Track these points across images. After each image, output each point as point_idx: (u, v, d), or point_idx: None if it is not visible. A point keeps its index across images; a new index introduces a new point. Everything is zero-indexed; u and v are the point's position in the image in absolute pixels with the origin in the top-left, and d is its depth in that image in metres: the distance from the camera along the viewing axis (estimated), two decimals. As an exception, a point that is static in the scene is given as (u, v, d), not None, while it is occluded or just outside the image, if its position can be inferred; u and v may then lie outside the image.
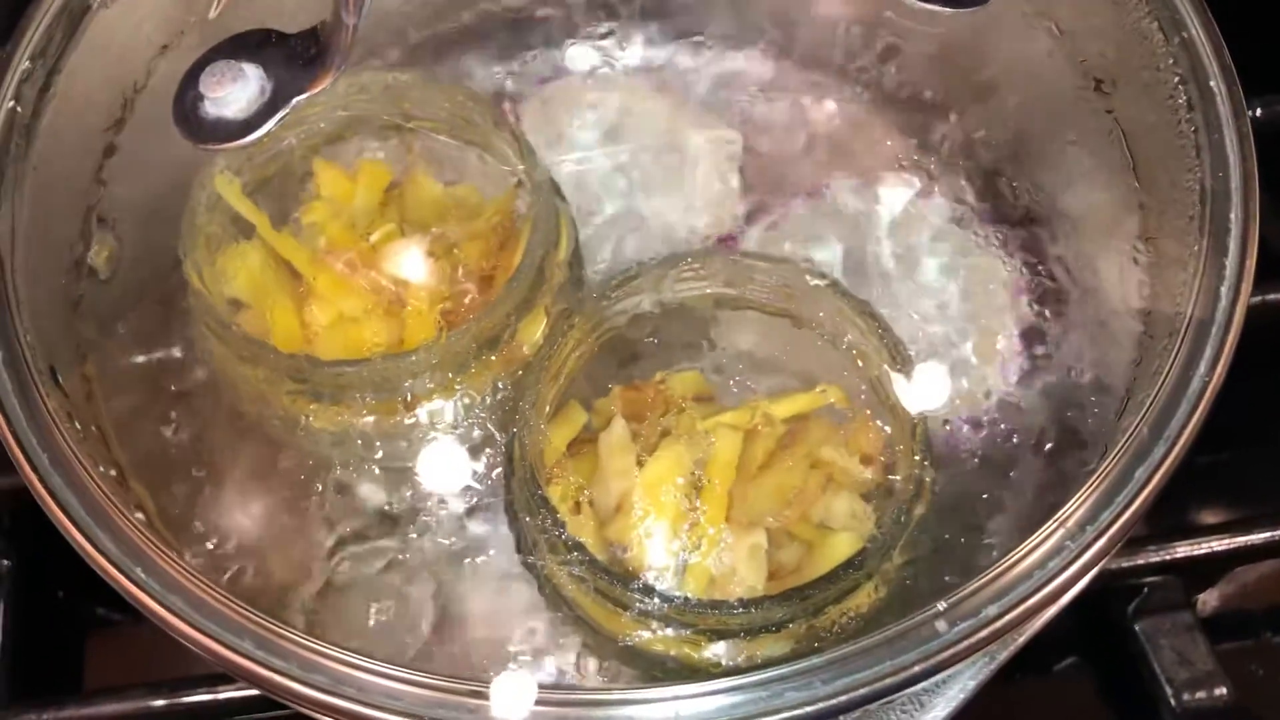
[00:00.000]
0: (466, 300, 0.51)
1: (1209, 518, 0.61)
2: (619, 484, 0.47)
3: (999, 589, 0.39)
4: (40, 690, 0.55)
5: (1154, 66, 0.48)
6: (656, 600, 0.42)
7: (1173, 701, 0.54)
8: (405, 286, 0.50)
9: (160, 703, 0.51)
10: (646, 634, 0.43)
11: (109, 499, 0.42)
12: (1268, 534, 0.56)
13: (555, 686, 0.42)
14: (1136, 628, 0.56)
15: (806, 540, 0.47)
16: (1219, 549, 0.56)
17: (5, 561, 0.57)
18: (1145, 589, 0.56)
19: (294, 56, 0.43)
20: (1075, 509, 0.40)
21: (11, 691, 0.54)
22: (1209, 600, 0.60)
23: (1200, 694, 0.54)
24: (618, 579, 0.43)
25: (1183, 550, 0.55)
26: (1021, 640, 0.42)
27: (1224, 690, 0.54)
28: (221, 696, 0.50)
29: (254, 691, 0.48)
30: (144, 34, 0.52)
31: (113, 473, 0.45)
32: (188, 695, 0.51)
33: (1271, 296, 0.58)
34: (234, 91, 0.43)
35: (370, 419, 0.48)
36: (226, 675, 0.49)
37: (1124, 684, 0.57)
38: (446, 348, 0.47)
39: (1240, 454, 0.62)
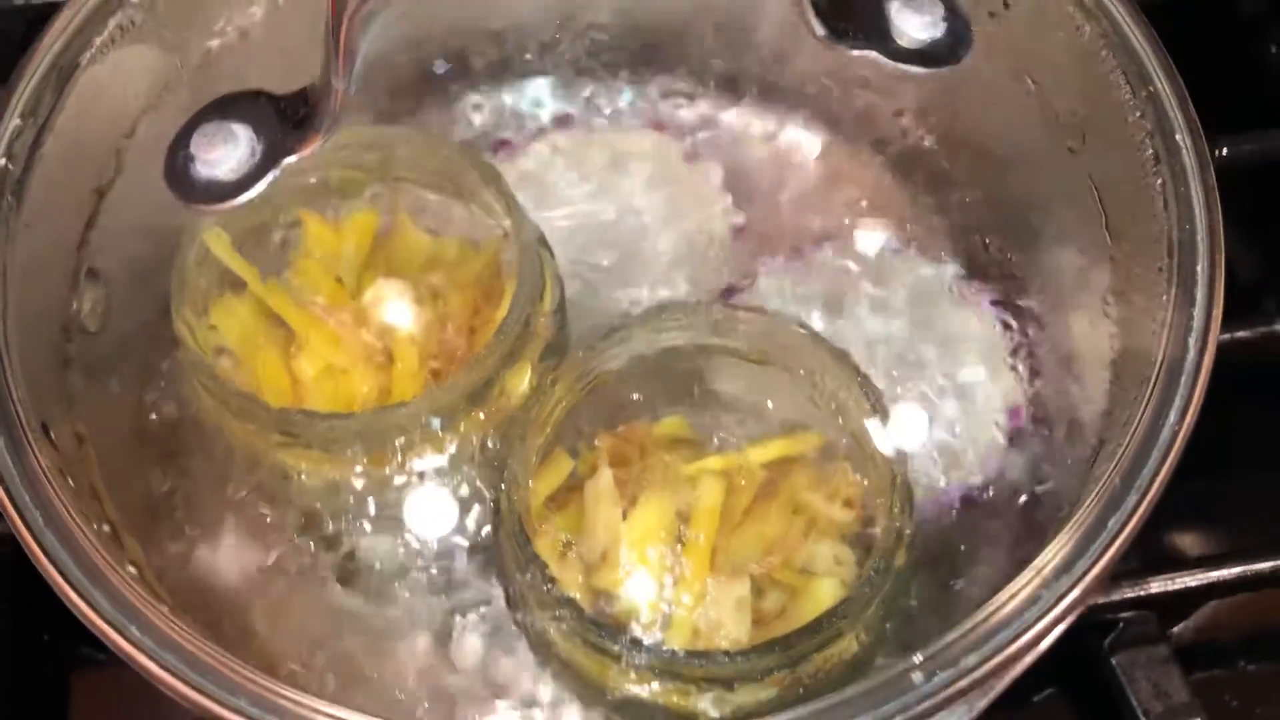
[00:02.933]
0: (453, 351, 0.51)
1: (1181, 552, 0.62)
2: (604, 534, 0.48)
3: (977, 639, 0.39)
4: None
5: (1123, 120, 0.49)
6: (645, 654, 0.43)
7: (1148, 734, 0.55)
8: (393, 337, 0.51)
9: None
10: (635, 686, 0.44)
11: (102, 556, 0.42)
12: (1240, 568, 0.57)
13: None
14: (1113, 661, 0.57)
15: (790, 586, 0.48)
16: (1193, 584, 0.57)
17: (-9, 605, 0.57)
18: (1121, 623, 0.57)
19: (284, 118, 0.43)
20: (1050, 559, 0.41)
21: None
22: (1182, 631, 0.60)
23: (1177, 726, 0.55)
24: (607, 633, 0.43)
25: (1157, 585, 0.57)
26: (999, 688, 0.43)
27: (1199, 721, 0.55)
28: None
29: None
30: (131, 90, 0.53)
31: (105, 529, 0.45)
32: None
33: (1240, 334, 0.59)
34: (225, 153, 0.43)
35: (360, 471, 0.49)
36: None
37: (1101, 717, 0.58)
38: (435, 400, 0.48)
39: (1211, 487, 0.63)
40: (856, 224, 0.57)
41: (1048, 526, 0.45)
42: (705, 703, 0.44)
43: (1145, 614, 0.57)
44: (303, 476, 0.49)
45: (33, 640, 0.58)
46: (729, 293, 0.56)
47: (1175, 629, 0.59)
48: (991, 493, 0.51)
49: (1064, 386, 0.52)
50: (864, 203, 0.57)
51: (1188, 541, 0.63)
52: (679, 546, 0.48)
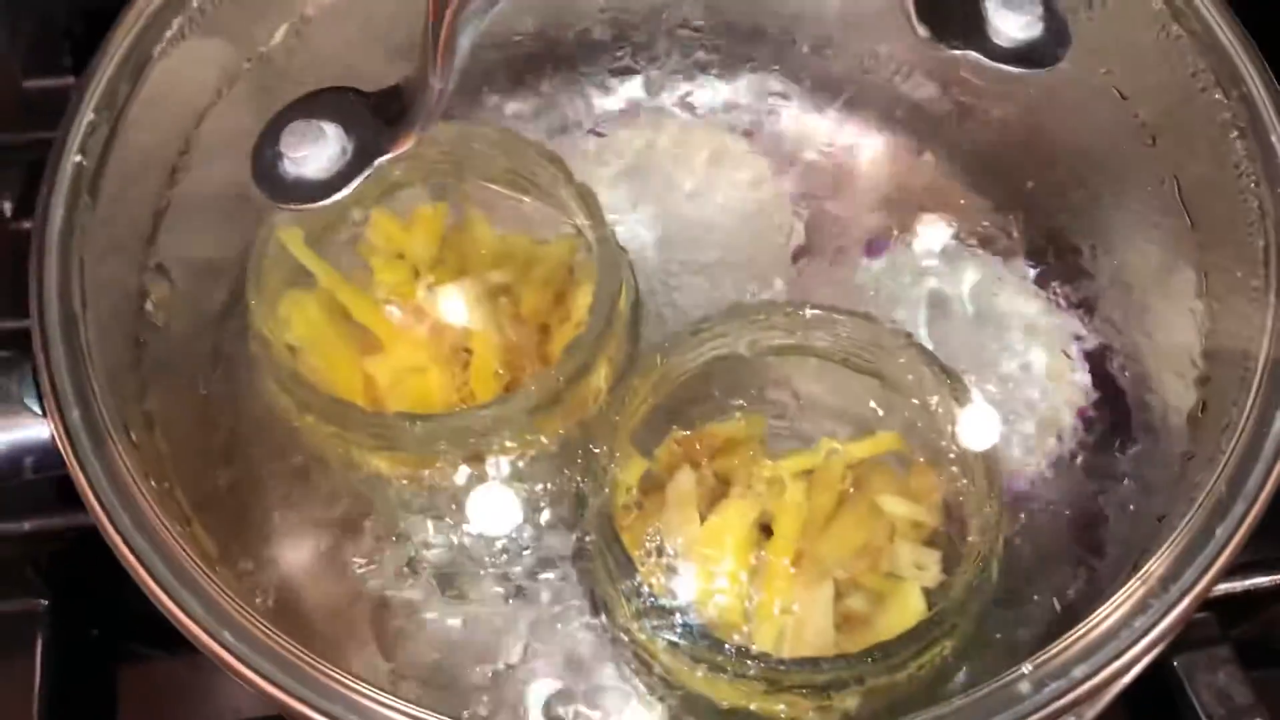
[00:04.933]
0: (528, 350, 0.51)
1: (1247, 554, 0.61)
2: (687, 537, 0.47)
3: (1086, 648, 0.39)
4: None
5: (1212, 120, 0.48)
6: (749, 662, 0.43)
7: (1212, 736, 0.55)
8: (469, 337, 0.51)
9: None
10: (729, 691, 0.44)
11: (191, 559, 0.41)
12: (1308, 569, 0.57)
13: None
14: (1174, 663, 0.56)
15: (874, 589, 0.48)
16: (1261, 585, 0.57)
17: (42, 601, 0.56)
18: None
19: (375, 116, 0.43)
20: (1157, 566, 0.40)
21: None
22: (1240, 629, 0.60)
23: (1240, 728, 0.55)
24: (709, 642, 0.43)
25: (1222, 588, 0.56)
26: (1107, 699, 0.43)
27: (1262, 724, 0.55)
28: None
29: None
30: (202, 82, 0.52)
31: (188, 528, 0.44)
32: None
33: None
34: (314, 151, 0.42)
35: (444, 472, 0.48)
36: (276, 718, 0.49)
37: (1162, 718, 0.57)
38: (525, 400, 0.47)
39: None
40: (935, 224, 0.56)
41: (1145, 534, 0.45)
42: (804, 708, 0.43)
43: (1207, 615, 0.57)
44: (387, 478, 0.48)
45: (80, 635, 0.58)
46: (805, 293, 0.55)
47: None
48: (1086, 497, 0.51)
49: (1160, 390, 0.51)
50: (943, 203, 0.57)
51: (1251, 543, 0.62)
52: (763, 550, 0.47)
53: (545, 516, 0.50)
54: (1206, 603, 0.56)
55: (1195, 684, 0.56)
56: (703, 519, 0.48)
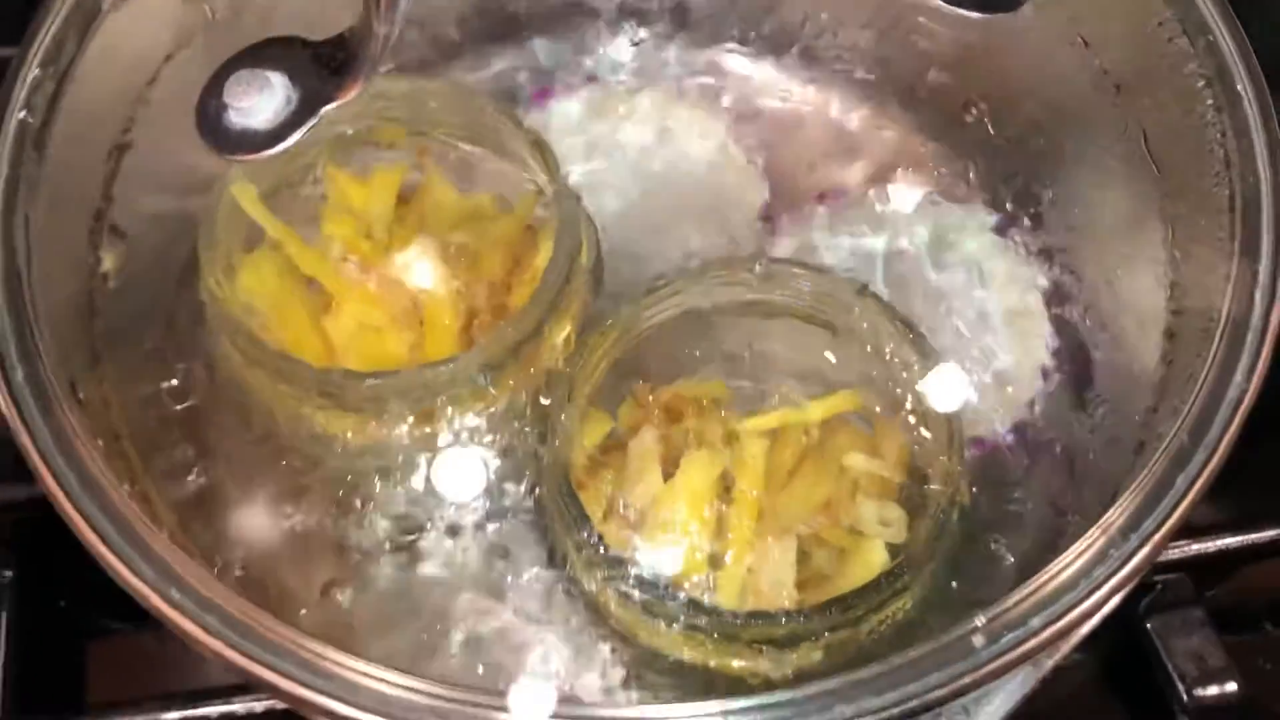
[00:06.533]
0: (486, 308, 0.50)
1: (1219, 514, 0.61)
2: (648, 493, 0.47)
3: (1043, 599, 0.38)
4: (42, 704, 0.53)
5: (1180, 71, 0.47)
6: (702, 615, 0.42)
7: (1184, 697, 0.54)
8: (426, 294, 0.50)
9: (174, 715, 0.50)
10: (685, 646, 0.43)
11: (139, 518, 0.41)
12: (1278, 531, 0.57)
13: (597, 703, 0.42)
14: (1148, 625, 0.56)
15: (838, 546, 0.47)
16: (1232, 545, 0.57)
17: (7, 572, 0.55)
18: (1157, 586, 0.56)
19: (321, 64, 0.42)
20: (1117, 517, 0.40)
21: (14, 705, 0.52)
22: (1213, 595, 0.60)
23: (1211, 689, 0.55)
24: (663, 594, 0.43)
25: (1195, 548, 0.56)
26: (1066, 648, 0.42)
27: (1234, 685, 0.55)
28: (238, 708, 0.49)
29: (270, 703, 0.48)
30: (154, 36, 0.51)
31: (137, 488, 0.44)
32: (203, 707, 0.49)
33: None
34: (260, 101, 0.42)
35: (398, 430, 0.48)
36: (242, 686, 0.48)
37: (1135, 680, 0.57)
38: (479, 356, 0.47)
39: (1248, 449, 0.63)
40: (908, 177, 0.55)
41: (1109, 486, 0.44)
42: (762, 664, 0.43)
43: (1180, 577, 0.56)
44: (341, 436, 0.48)
45: (48, 608, 0.57)
46: (769, 246, 0.54)
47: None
48: (1048, 449, 0.50)
49: (1124, 341, 0.51)
50: (902, 152, 0.56)
51: (1223, 504, 0.62)
52: (725, 507, 0.47)
53: (500, 472, 0.49)
54: (1180, 564, 0.56)
55: (1169, 646, 0.55)
56: (665, 477, 0.47)
